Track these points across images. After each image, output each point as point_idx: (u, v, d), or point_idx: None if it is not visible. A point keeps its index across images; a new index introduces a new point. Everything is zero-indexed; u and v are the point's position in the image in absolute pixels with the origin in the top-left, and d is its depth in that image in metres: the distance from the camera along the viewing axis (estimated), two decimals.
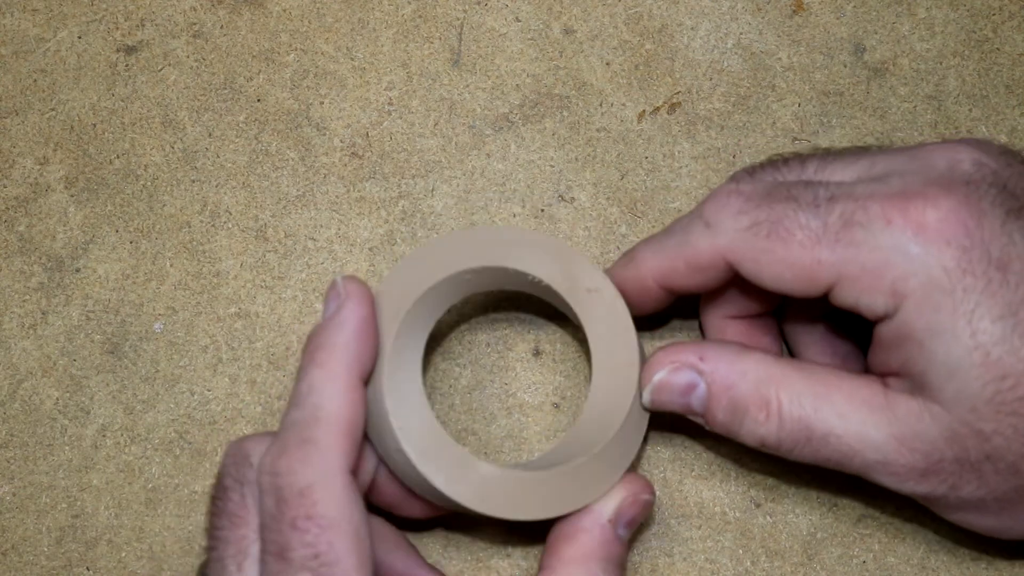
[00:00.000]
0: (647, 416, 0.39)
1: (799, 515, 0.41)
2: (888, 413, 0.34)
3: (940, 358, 0.33)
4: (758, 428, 0.36)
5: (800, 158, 0.38)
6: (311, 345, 0.36)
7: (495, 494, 0.36)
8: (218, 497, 0.35)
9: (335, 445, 0.34)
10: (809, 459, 0.36)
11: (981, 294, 0.32)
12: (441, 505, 0.38)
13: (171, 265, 0.45)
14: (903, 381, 0.34)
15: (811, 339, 0.40)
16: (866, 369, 0.38)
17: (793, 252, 0.35)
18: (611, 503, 0.38)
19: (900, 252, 0.33)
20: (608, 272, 0.40)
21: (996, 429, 0.33)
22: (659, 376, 0.38)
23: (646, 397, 0.38)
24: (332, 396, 0.34)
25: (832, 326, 0.40)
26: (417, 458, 0.36)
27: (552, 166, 0.46)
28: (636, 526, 0.38)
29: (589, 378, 0.40)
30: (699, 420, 0.38)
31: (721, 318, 0.40)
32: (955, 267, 0.33)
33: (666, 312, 0.42)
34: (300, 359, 0.36)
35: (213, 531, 0.35)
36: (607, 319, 0.39)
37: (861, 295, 0.34)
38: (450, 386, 0.43)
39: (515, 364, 0.43)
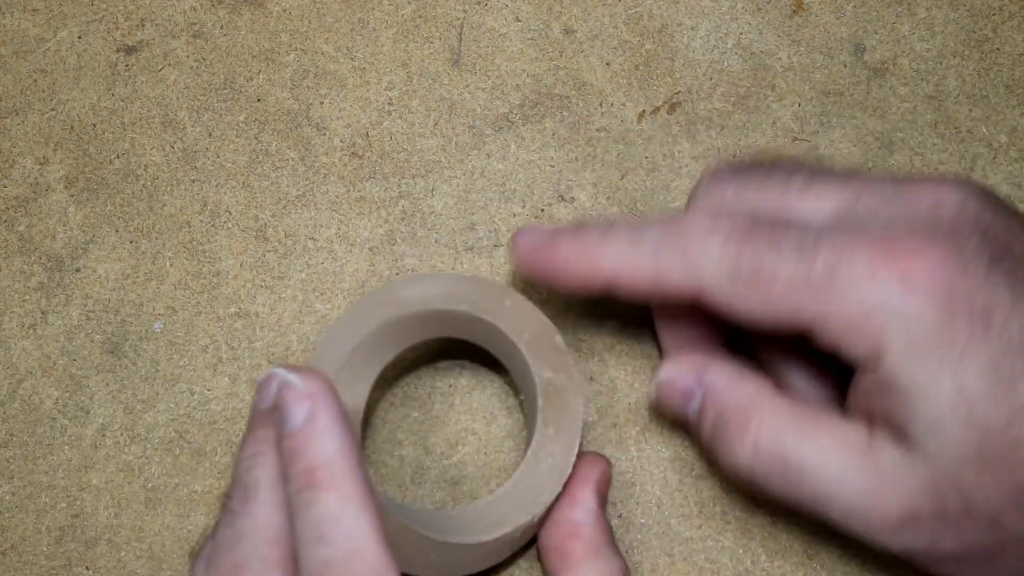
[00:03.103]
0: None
1: (799, 514, 0.41)
2: (870, 460, 0.34)
3: (924, 411, 0.32)
4: (733, 451, 0.36)
5: (787, 170, 0.37)
6: (303, 463, 0.33)
7: (426, 559, 0.37)
8: None
9: None
10: (783, 495, 0.35)
11: (964, 347, 0.32)
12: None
13: (171, 265, 0.45)
14: (885, 428, 0.34)
15: (777, 361, 0.40)
16: (831, 394, 0.38)
17: (773, 298, 0.34)
18: (588, 490, 0.38)
19: (884, 305, 0.33)
20: (551, 244, 0.38)
21: (977, 483, 0.32)
22: (665, 374, 0.38)
23: (651, 392, 0.39)
24: (362, 525, 0.32)
25: (796, 351, 0.40)
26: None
27: (552, 166, 0.46)
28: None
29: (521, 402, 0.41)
30: (695, 433, 0.38)
31: (676, 330, 0.40)
32: (939, 321, 0.32)
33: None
34: (291, 478, 0.33)
35: None
36: (561, 419, 0.39)
37: (841, 343, 0.34)
38: (450, 386, 0.43)
39: None
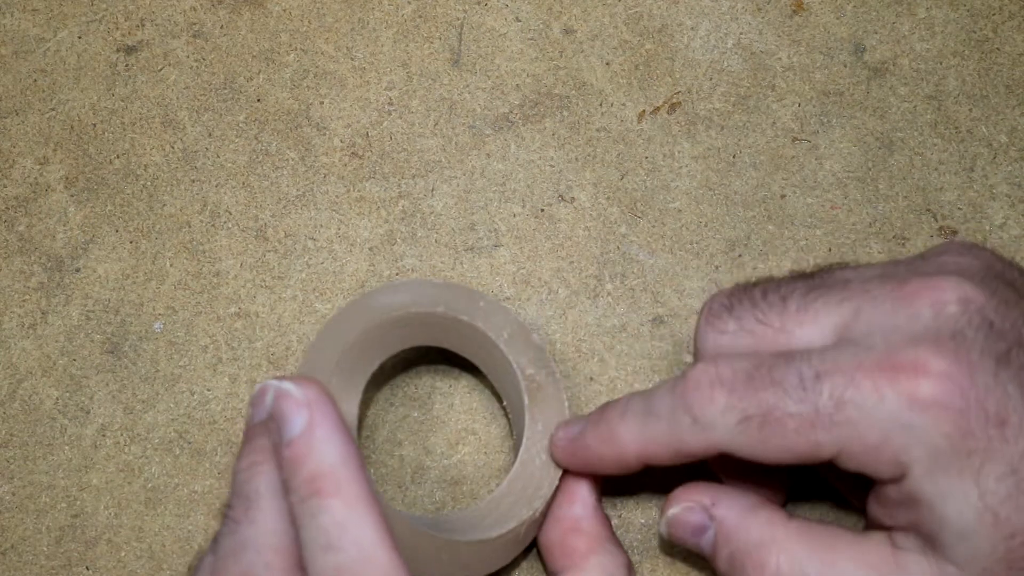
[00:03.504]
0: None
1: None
2: (899, 574, 0.34)
3: (952, 520, 0.33)
4: None
5: (779, 292, 0.37)
6: (305, 471, 0.33)
7: (425, 562, 0.36)
8: None
9: None
10: None
11: (984, 454, 0.32)
12: None
13: (171, 265, 0.45)
14: (912, 539, 0.34)
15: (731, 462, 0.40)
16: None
17: (789, 440, 0.34)
18: (584, 484, 0.39)
19: (898, 425, 0.33)
20: (581, 437, 0.38)
21: None
22: (673, 512, 0.38)
23: (662, 528, 0.39)
24: (370, 530, 0.32)
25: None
26: None
27: (552, 166, 0.46)
28: None
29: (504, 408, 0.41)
30: (711, 564, 0.38)
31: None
32: (955, 432, 0.32)
33: None
34: (295, 487, 0.33)
35: None
36: (547, 415, 0.39)
37: (865, 467, 0.34)
38: (450, 386, 0.43)
39: None
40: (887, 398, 0.33)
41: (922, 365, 0.33)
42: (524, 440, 0.39)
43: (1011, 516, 0.32)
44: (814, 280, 0.37)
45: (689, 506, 0.38)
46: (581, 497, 0.38)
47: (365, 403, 0.42)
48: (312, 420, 0.33)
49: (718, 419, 0.35)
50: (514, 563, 0.41)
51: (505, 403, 0.41)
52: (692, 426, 0.35)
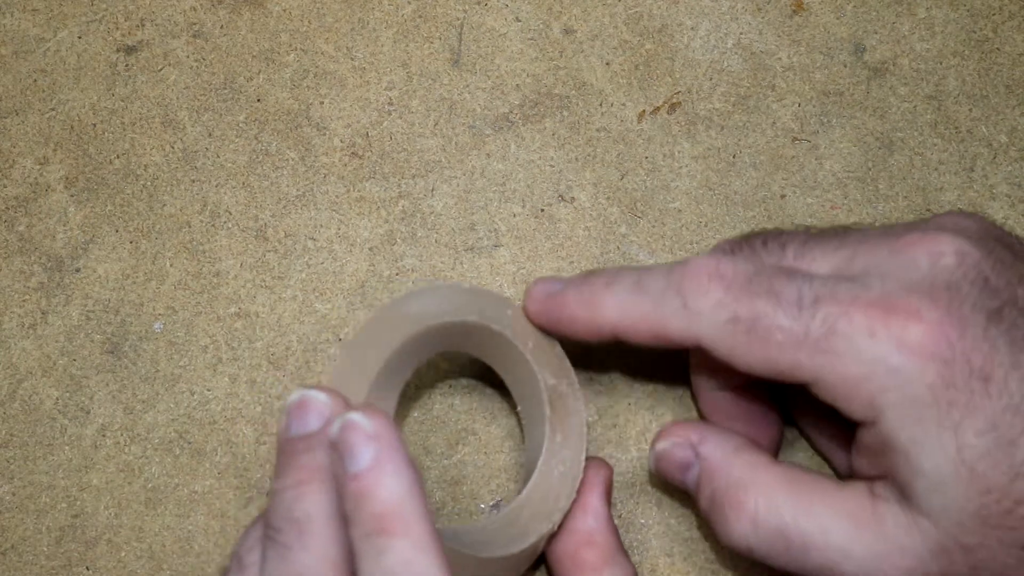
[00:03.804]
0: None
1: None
2: (875, 528, 0.34)
3: (926, 470, 0.33)
4: (731, 528, 0.36)
5: (779, 240, 0.37)
6: (372, 508, 0.32)
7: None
8: None
9: None
10: (786, 567, 0.35)
11: (964, 407, 0.32)
12: None
13: (171, 265, 0.45)
14: (891, 489, 0.34)
15: (720, 399, 0.40)
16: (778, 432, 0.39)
17: (772, 352, 0.34)
18: (596, 496, 0.38)
19: (882, 365, 0.33)
20: (561, 294, 0.38)
21: (982, 542, 0.32)
22: (662, 446, 0.38)
23: (651, 462, 0.39)
24: (434, 572, 0.31)
25: (744, 388, 0.40)
26: None
27: (552, 166, 0.46)
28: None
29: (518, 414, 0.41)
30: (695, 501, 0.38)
31: (711, 390, 0.40)
32: (938, 382, 0.32)
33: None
34: (359, 522, 0.32)
35: None
36: (568, 426, 0.39)
37: (839, 400, 0.34)
38: (450, 386, 0.43)
39: None
40: (877, 336, 0.33)
41: (915, 311, 0.33)
42: (543, 451, 0.38)
43: (988, 472, 0.32)
44: (813, 232, 0.37)
45: (677, 441, 0.38)
46: (594, 509, 0.38)
47: (399, 415, 0.42)
48: (380, 454, 0.32)
49: (707, 310, 0.35)
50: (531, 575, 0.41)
51: (520, 410, 0.41)
52: (680, 310, 0.35)
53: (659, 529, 0.42)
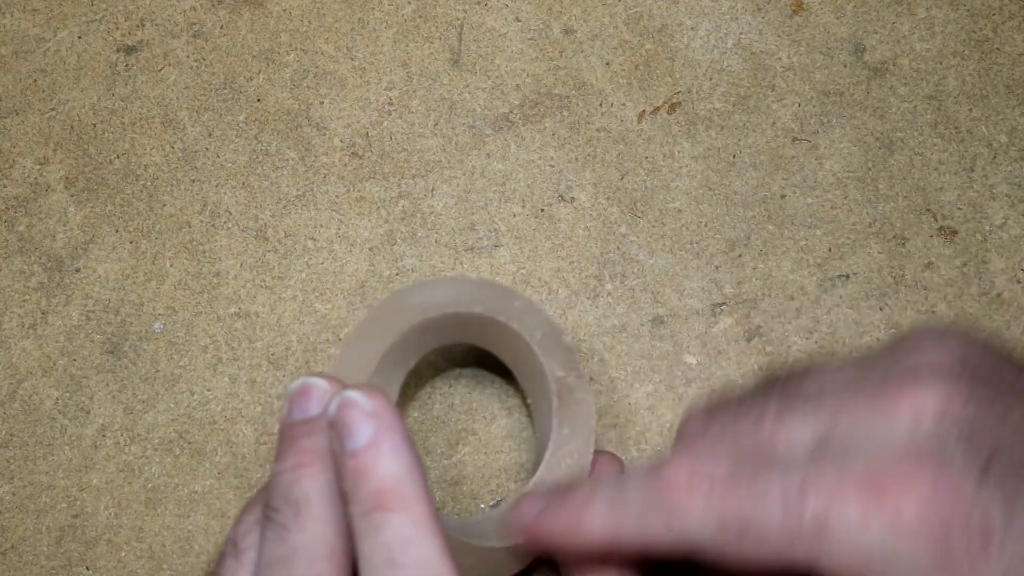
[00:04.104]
0: None
1: None
2: None
3: None
4: None
5: (751, 412, 0.36)
6: (370, 485, 0.32)
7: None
8: None
9: None
10: None
11: (969, 572, 0.31)
12: None
13: (171, 265, 0.45)
14: None
15: None
16: None
17: (768, 551, 0.33)
18: None
19: (881, 549, 0.32)
20: (542, 517, 0.37)
21: None
22: None
23: None
24: (434, 549, 0.31)
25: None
26: None
27: (552, 166, 0.46)
28: None
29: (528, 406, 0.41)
30: None
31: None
32: (938, 557, 0.32)
33: None
34: (358, 499, 0.32)
35: None
36: (575, 418, 0.39)
37: None
38: (450, 386, 0.43)
39: None
40: (871, 524, 0.32)
41: (905, 486, 0.32)
42: (551, 443, 0.39)
43: None
44: (786, 391, 0.36)
45: None
46: None
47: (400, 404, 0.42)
48: (379, 432, 0.32)
49: (694, 524, 0.33)
50: (538, 568, 0.41)
51: (530, 402, 0.41)
52: (666, 528, 0.34)
53: None
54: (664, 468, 0.34)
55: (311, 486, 0.33)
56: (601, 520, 0.35)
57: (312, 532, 0.32)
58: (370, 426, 0.33)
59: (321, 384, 0.34)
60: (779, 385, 0.36)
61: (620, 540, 0.35)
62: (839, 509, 0.32)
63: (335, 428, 0.33)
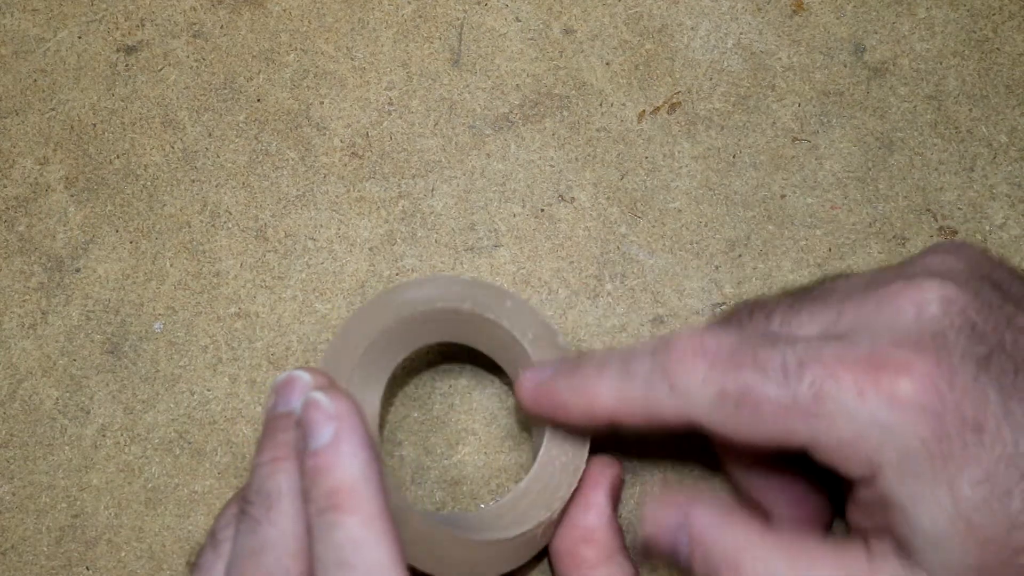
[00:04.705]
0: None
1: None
2: None
3: (924, 526, 0.32)
4: None
5: (764, 310, 0.37)
6: (326, 485, 0.33)
7: (440, 558, 0.36)
8: None
9: None
10: None
11: (959, 459, 0.32)
12: None
13: (171, 265, 0.45)
14: (886, 542, 0.34)
15: (765, 482, 0.39)
16: (820, 512, 0.38)
17: (765, 422, 0.34)
18: (601, 493, 0.38)
19: (875, 425, 0.32)
20: (551, 382, 0.38)
21: None
22: (648, 528, 0.38)
23: (639, 551, 0.39)
24: (384, 551, 0.32)
25: (785, 467, 0.39)
26: None
27: (552, 166, 0.46)
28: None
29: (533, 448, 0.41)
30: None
31: (742, 473, 0.39)
32: (931, 436, 0.32)
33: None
34: (314, 498, 0.33)
35: None
36: None
37: (836, 461, 0.34)
38: (450, 386, 0.43)
39: None
40: (867, 396, 0.32)
41: (903, 366, 0.32)
42: (544, 441, 0.39)
43: (985, 524, 0.32)
44: (798, 295, 0.37)
45: (663, 516, 0.37)
46: (597, 505, 0.38)
47: (386, 398, 0.42)
48: (339, 434, 0.33)
49: (695, 390, 0.35)
50: (528, 565, 0.41)
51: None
52: (669, 393, 0.35)
53: None
54: (672, 339, 0.35)
55: (284, 480, 0.34)
56: (611, 386, 0.36)
57: (282, 527, 0.33)
58: (331, 428, 0.33)
59: (304, 377, 0.35)
60: (792, 292, 0.37)
61: (628, 408, 0.36)
62: (837, 383, 0.33)
63: (300, 427, 0.34)
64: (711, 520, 0.36)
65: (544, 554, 0.40)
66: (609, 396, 0.36)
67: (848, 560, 0.34)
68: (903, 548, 0.33)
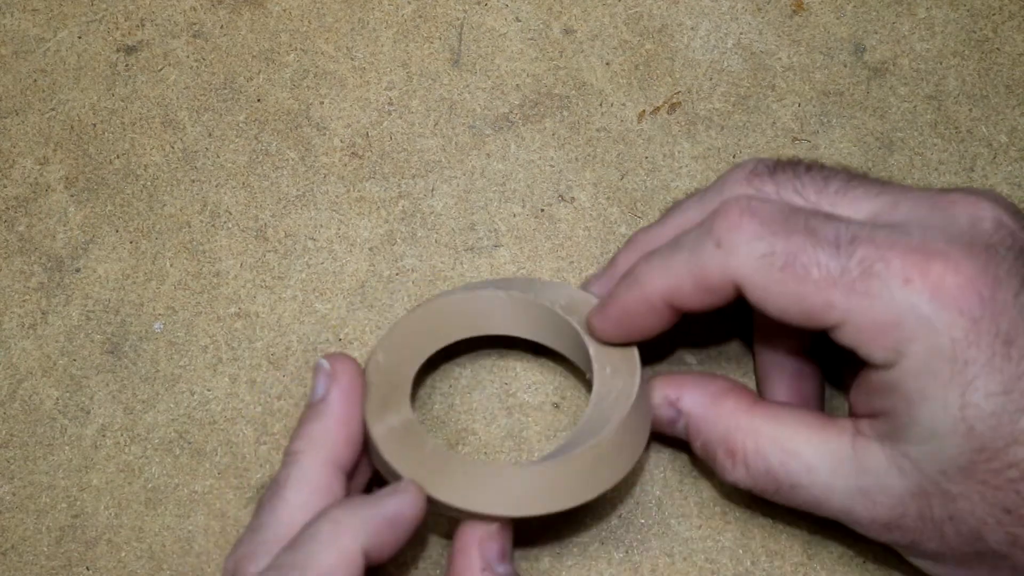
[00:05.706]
0: (649, 418, 0.39)
1: (799, 515, 0.41)
2: (855, 465, 0.35)
3: (925, 420, 0.33)
4: (727, 473, 0.37)
5: (823, 173, 0.37)
6: (296, 431, 0.37)
7: (487, 490, 0.36)
8: None
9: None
10: (785, 503, 0.37)
11: (982, 368, 0.32)
12: (441, 512, 0.37)
13: (171, 265, 0.45)
14: (879, 425, 0.34)
15: (779, 371, 0.40)
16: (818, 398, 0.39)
17: (806, 289, 0.34)
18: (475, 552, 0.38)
19: (913, 313, 0.33)
20: (611, 293, 0.39)
21: (963, 492, 0.33)
22: (654, 409, 0.39)
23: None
24: (303, 505, 0.35)
25: (800, 353, 0.40)
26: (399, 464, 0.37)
27: (552, 166, 0.46)
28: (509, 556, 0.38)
29: (589, 381, 0.41)
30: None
31: (772, 360, 0.40)
32: (962, 338, 0.32)
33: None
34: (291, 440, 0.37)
35: None
36: (616, 358, 0.39)
37: (862, 343, 0.34)
38: (450, 386, 0.43)
39: (515, 364, 0.43)
40: (912, 283, 0.33)
41: (953, 262, 0.33)
42: (595, 384, 0.39)
43: (986, 433, 0.32)
44: (852, 173, 0.37)
45: (658, 403, 0.39)
46: (476, 558, 0.37)
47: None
48: (326, 394, 0.37)
49: (743, 247, 0.34)
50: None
51: (589, 376, 0.40)
52: (714, 250, 0.35)
53: (659, 529, 0.42)
54: (720, 205, 0.35)
55: (293, 471, 0.36)
56: (659, 262, 0.37)
57: (279, 514, 0.36)
58: (322, 386, 0.37)
59: (324, 366, 0.38)
60: (846, 169, 0.37)
61: (676, 281, 0.36)
62: (886, 265, 0.33)
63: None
64: (701, 402, 0.38)
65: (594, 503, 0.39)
66: (659, 277, 0.37)
67: (834, 438, 0.35)
68: (895, 434, 0.34)
